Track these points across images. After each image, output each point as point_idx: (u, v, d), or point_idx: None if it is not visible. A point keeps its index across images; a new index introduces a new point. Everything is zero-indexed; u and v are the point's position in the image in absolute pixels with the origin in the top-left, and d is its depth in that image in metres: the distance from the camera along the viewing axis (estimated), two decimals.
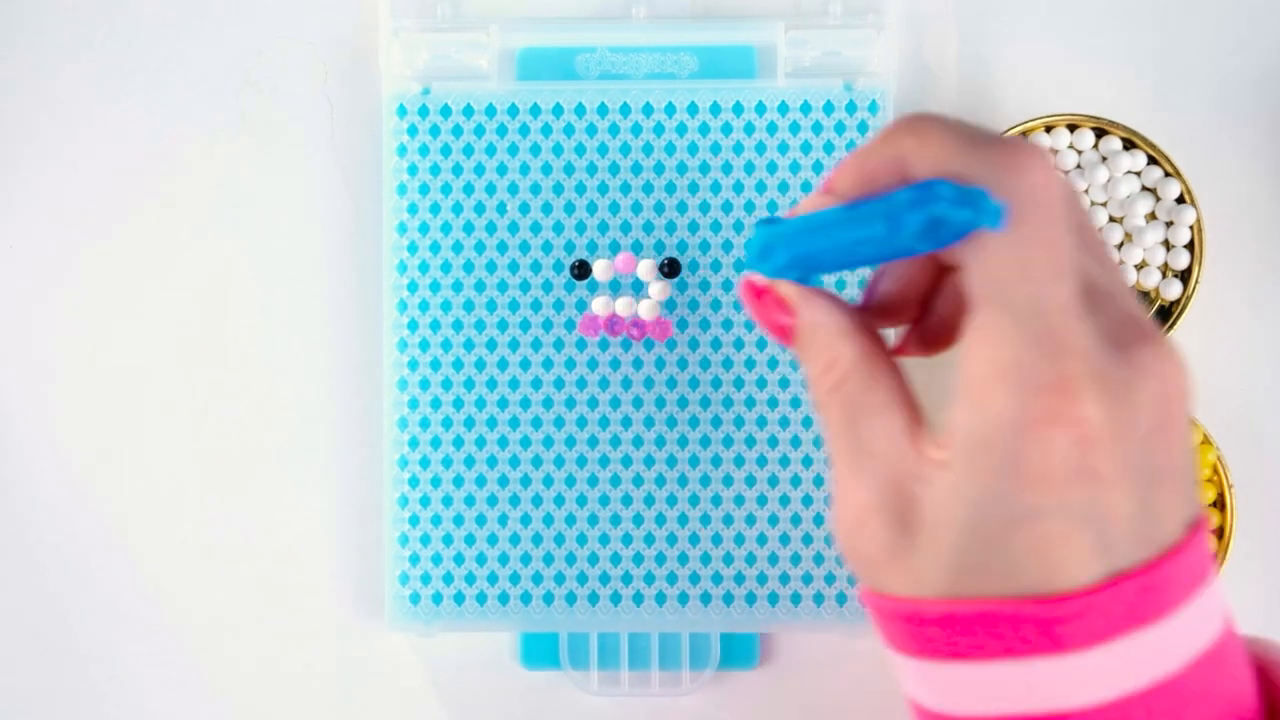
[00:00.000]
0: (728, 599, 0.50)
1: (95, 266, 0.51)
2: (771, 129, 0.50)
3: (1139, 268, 0.50)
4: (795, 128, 0.50)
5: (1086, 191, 0.50)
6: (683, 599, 0.50)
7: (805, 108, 0.50)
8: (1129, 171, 0.49)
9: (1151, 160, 0.49)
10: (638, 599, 0.49)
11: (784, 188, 0.50)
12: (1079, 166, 0.49)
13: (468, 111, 0.49)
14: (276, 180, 0.51)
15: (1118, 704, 0.29)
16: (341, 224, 0.51)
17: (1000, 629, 0.29)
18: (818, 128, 0.50)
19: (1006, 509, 0.29)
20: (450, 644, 0.51)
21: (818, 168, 0.50)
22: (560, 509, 0.50)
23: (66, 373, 0.51)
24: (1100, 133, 0.49)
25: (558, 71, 0.49)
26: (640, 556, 0.50)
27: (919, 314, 0.36)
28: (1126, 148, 0.49)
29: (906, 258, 0.33)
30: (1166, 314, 0.50)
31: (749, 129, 0.49)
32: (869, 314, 0.35)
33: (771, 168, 0.50)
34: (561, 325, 0.50)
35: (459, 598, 0.50)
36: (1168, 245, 0.50)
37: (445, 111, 0.49)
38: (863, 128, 0.50)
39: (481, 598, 0.50)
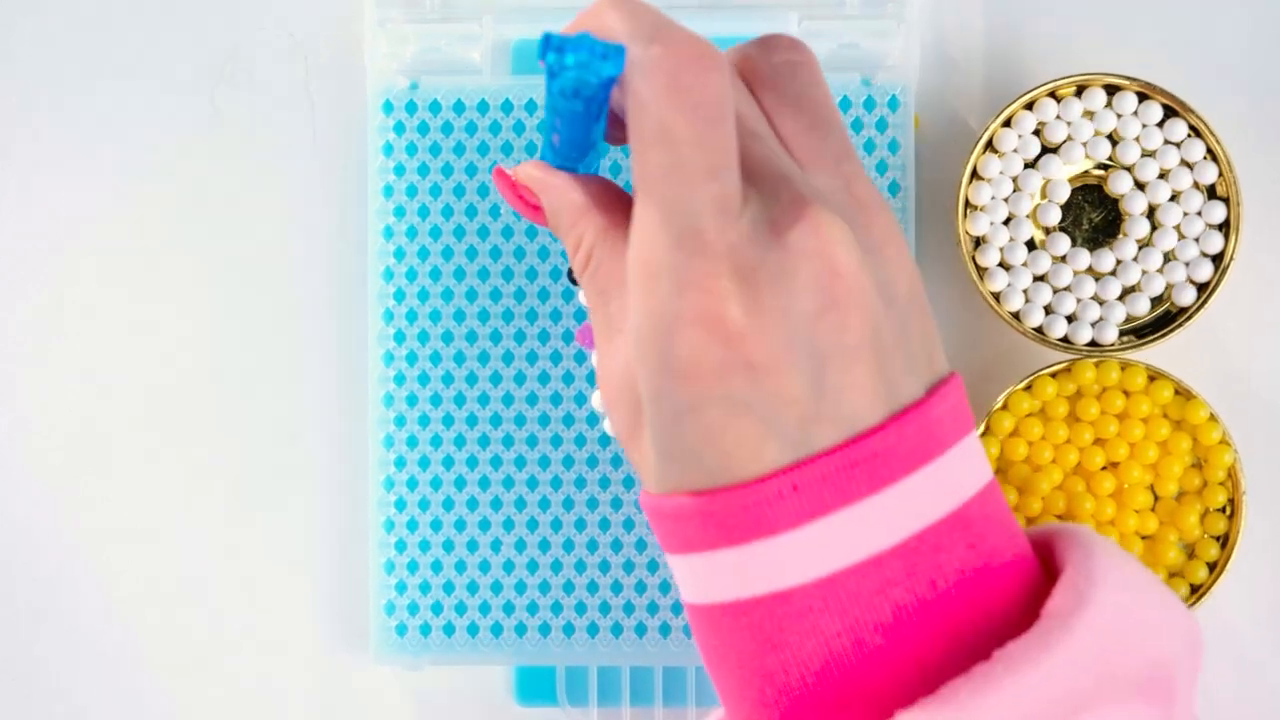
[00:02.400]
0: None
1: (58, 275, 0.50)
2: None
3: (1166, 257, 0.48)
4: None
5: (1129, 169, 0.47)
6: (688, 630, 0.48)
7: None
8: (1168, 142, 0.47)
9: (1193, 132, 0.47)
10: (640, 630, 0.48)
11: None
12: (1111, 136, 0.47)
13: (458, 108, 0.48)
14: (253, 182, 0.50)
15: (833, 578, 0.30)
16: (323, 229, 0.50)
17: (701, 521, 0.31)
18: None
19: (671, 404, 0.30)
20: (440, 678, 0.50)
21: None
22: (557, 533, 0.48)
23: (26, 389, 0.50)
24: (1142, 97, 0.47)
25: None
26: (643, 585, 0.48)
27: None
28: (1167, 116, 0.47)
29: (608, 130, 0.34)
30: (1165, 321, 0.48)
31: None
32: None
33: None
34: (559, 337, 0.48)
35: (449, 629, 0.48)
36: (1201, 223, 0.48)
37: (434, 108, 0.48)
38: (882, 125, 0.48)
39: (473, 629, 0.48)
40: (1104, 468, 0.47)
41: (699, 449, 0.31)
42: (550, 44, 0.29)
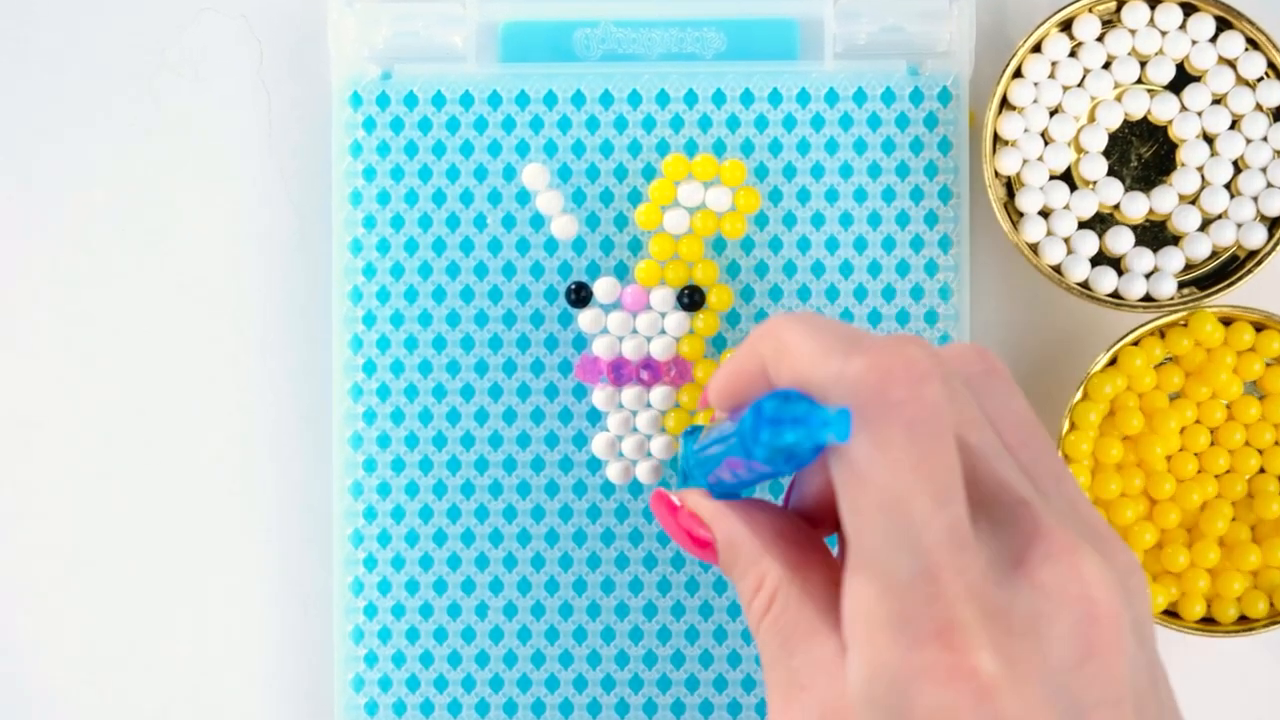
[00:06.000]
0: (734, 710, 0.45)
1: None
2: (817, 123, 0.45)
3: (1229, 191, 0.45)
4: (847, 121, 0.45)
5: (1188, 107, 0.45)
6: (678, 709, 0.45)
7: (859, 96, 0.45)
8: (1222, 60, 0.44)
9: (1250, 45, 0.45)
10: (650, 709, 0.45)
11: (832, 196, 0.45)
12: (1160, 51, 0.45)
13: (438, 101, 0.46)
14: (199, 187, 0.48)
15: None
16: (282, 241, 0.48)
17: None
18: (875, 122, 0.45)
19: None
20: None
21: (874, 171, 0.45)
22: (553, 596, 0.45)
23: None
24: (1189, 9, 0.45)
25: (550, 51, 0.46)
26: (653, 655, 0.45)
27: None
28: (1220, 29, 0.45)
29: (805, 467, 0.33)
30: (1231, 268, 0.45)
31: (789, 123, 0.45)
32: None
33: (817, 172, 0.45)
34: (554, 368, 0.45)
35: (426, 707, 0.45)
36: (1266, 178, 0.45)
37: (410, 101, 0.46)
38: (930, 122, 0.45)
39: (454, 707, 0.45)
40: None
41: None
42: (763, 416, 0.28)
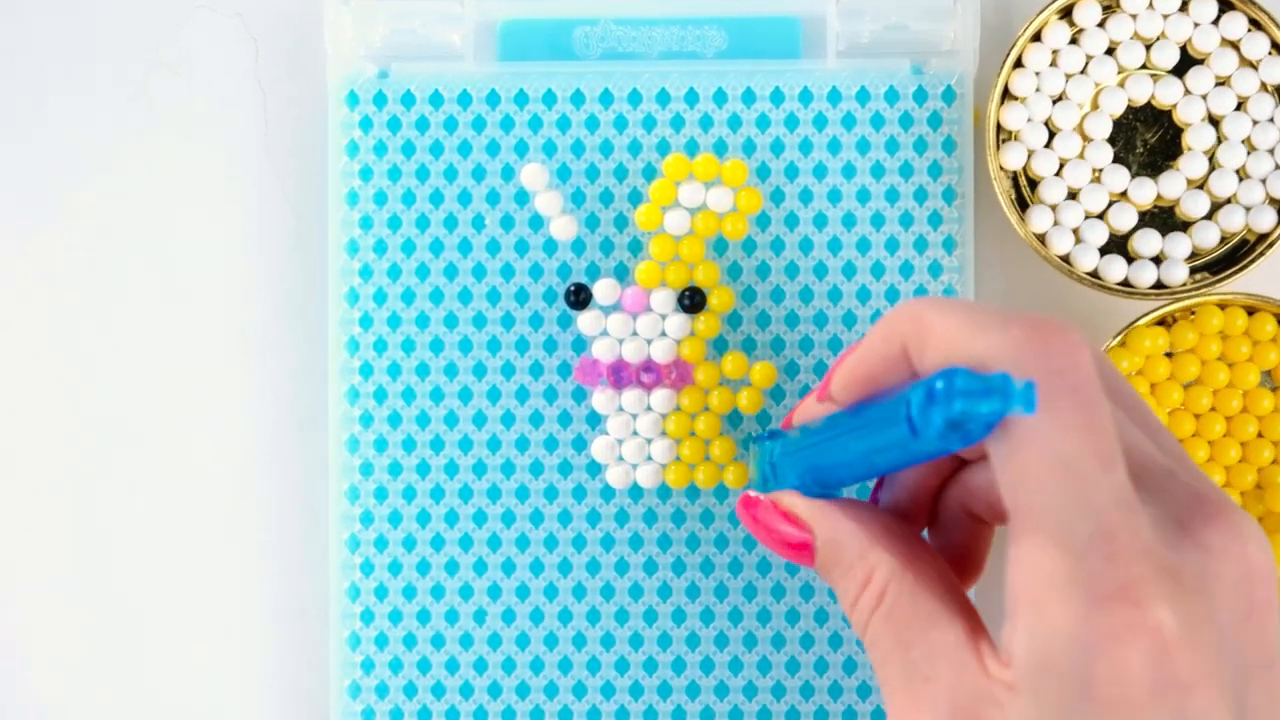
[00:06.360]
0: None
1: None
2: (820, 122, 0.45)
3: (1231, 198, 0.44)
4: (850, 121, 0.45)
5: (1182, 76, 0.44)
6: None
7: (863, 96, 0.45)
8: (1226, 41, 0.44)
9: (1253, 26, 0.44)
10: (650, 716, 0.45)
11: (835, 196, 0.45)
12: (1162, 35, 0.44)
13: (435, 100, 0.46)
14: (195, 187, 0.48)
15: None
16: (277, 242, 0.48)
17: None
18: (878, 121, 0.45)
19: None
20: None
21: (878, 171, 0.45)
22: (552, 602, 0.45)
23: None
24: (1225, 6, 0.44)
25: (550, 49, 0.46)
26: (654, 662, 0.44)
27: (930, 515, 0.37)
28: (1222, 11, 0.44)
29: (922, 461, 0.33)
30: (1238, 254, 0.45)
31: (791, 122, 0.45)
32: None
33: (820, 171, 0.45)
34: (553, 370, 0.45)
35: (423, 714, 0.45)
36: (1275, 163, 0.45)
37: (408, 100, 0.46)
38: (935, 121, 0.45)
39: (452, 715, 0.45)
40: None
41: None
42: (945, 391, 0.28)
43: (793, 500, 0.35)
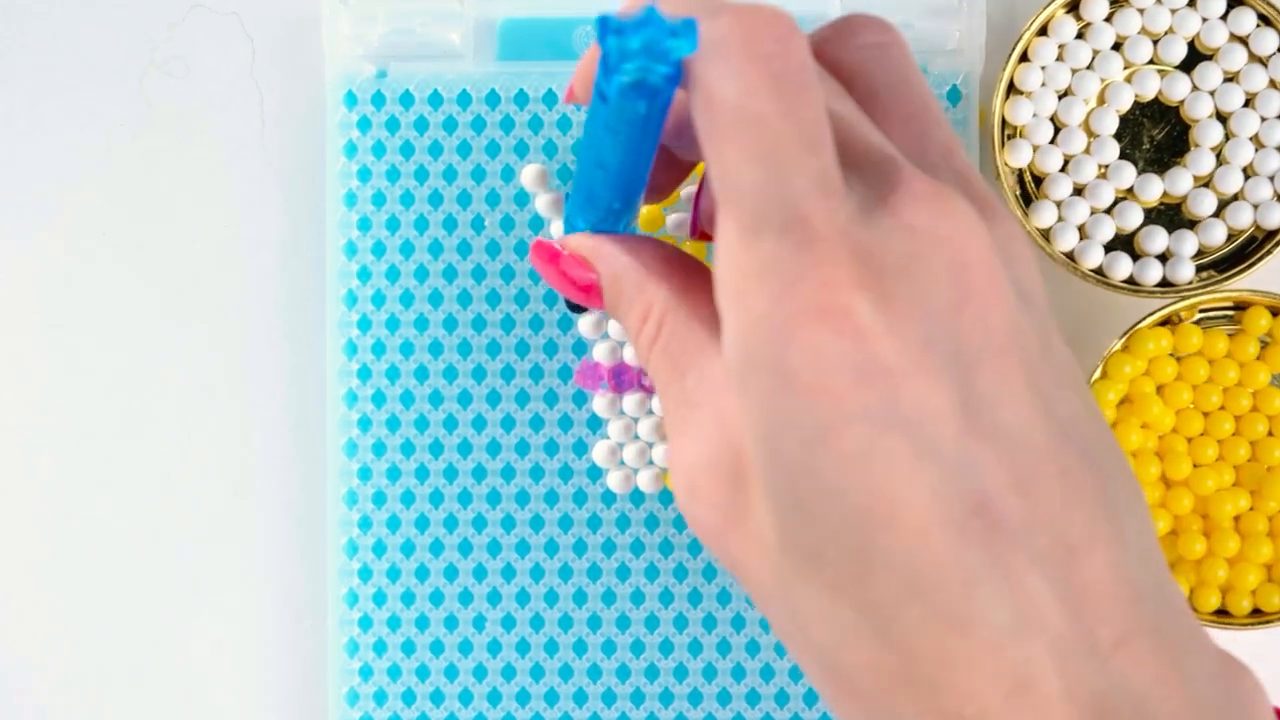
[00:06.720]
0: None
1: None
2: None
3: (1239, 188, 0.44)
4: None
5: (1189, 72, 0.44)
6: None
7: None
8: (1234, 37, 0.44)
9: (1262, 21, 0.44)
10: None
11: None
12: (1170, 30, 0.44)
13: (434, 100, 0.45)
14: (191, 188, 0.48)
15: None
16: (275, 244, 0.48)
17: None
18: None
19: (797, 434, 0.27)
20: None
21: None
22: (552, 608, 0.44)
23: None
24: (1234, 2, 0.44)
25: (550, 49, 0.46)
26: (655, 669, 0.44)
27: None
28: (1230, 7, 0.44)
29: (670, 148, 0.33)
30: (1246, 251, 0.45)
31: None
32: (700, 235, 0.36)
33: None
34: (554, 374, 0.45)
35: None
36: None
37: (406, 100, 0.45)
38: None
39: None
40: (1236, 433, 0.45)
41: (840, 486, 0.27)
42: (609, 26, 0.28)
43: (579, 241, 0.35)
